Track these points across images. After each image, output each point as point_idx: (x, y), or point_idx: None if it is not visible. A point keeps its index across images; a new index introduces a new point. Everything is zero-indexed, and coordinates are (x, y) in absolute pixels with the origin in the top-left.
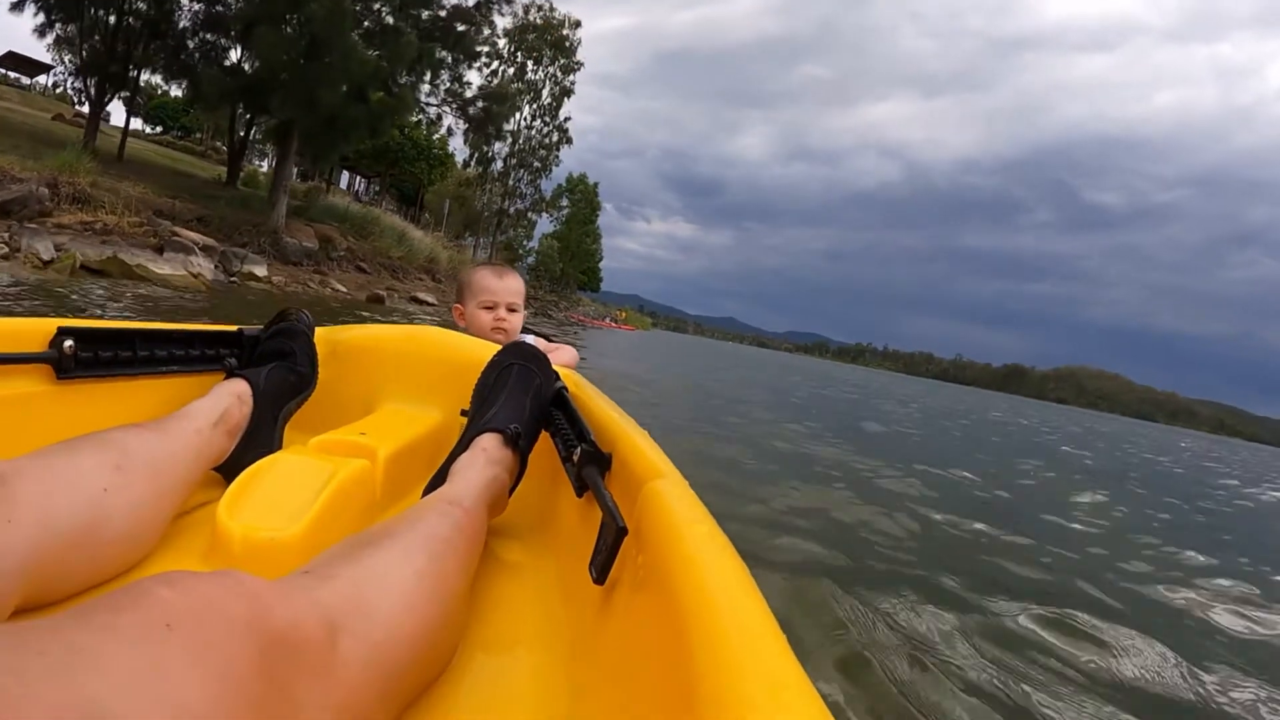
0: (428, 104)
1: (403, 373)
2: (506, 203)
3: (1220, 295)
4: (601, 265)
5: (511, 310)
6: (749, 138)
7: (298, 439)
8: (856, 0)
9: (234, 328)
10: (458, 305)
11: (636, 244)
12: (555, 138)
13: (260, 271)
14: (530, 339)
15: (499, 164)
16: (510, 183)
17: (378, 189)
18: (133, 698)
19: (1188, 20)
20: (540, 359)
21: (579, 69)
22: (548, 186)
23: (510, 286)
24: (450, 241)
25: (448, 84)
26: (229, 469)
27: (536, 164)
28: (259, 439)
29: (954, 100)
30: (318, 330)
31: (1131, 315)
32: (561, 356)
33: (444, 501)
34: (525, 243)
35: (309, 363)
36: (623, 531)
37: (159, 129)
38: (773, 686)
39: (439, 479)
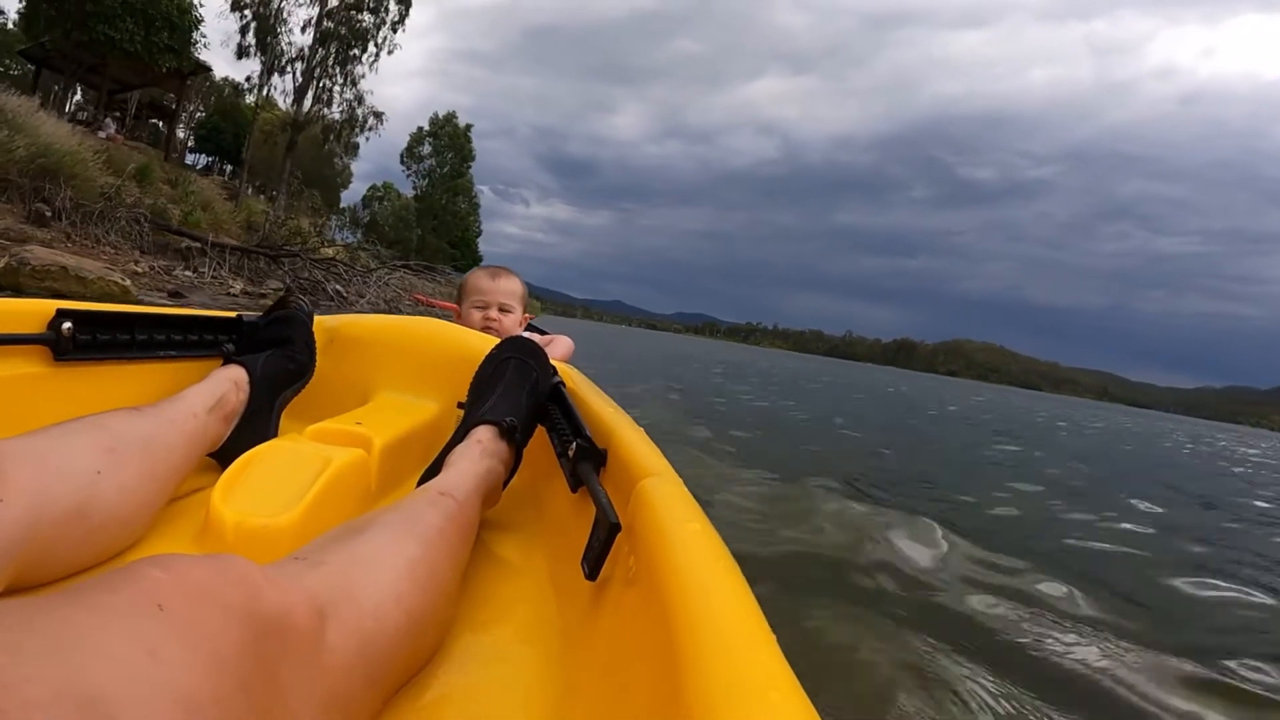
0: None
1: (400, 363)
2: (309, 109)
3: (1091, 268)
4: (479, 240)
5: (504, 311)
6: (622, 116)
7: (294, 427)
8: None
9: (233, 314)
10: (456, 305)
11: (515, 228)
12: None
13: None
14: (526, 334)
15: (290, 39)
16: (315, 71)
17: (120, 113)
18: (127, 680)
19: None
20: (538, 354)
21: None
22: (381, 99)
23: (502, 287)
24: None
25: None
26: (224, 455)
27: (353, 43)
28: (255, 426)
29: (829, 77)
30: (317, 319)
31: (1007, 288)
32: (557, 349)
33: (437, 492)
34: (339, 197)
35: (307, 351)
36: (615, 528)
37: None
38: (761, 687)
39: (434, 470)
